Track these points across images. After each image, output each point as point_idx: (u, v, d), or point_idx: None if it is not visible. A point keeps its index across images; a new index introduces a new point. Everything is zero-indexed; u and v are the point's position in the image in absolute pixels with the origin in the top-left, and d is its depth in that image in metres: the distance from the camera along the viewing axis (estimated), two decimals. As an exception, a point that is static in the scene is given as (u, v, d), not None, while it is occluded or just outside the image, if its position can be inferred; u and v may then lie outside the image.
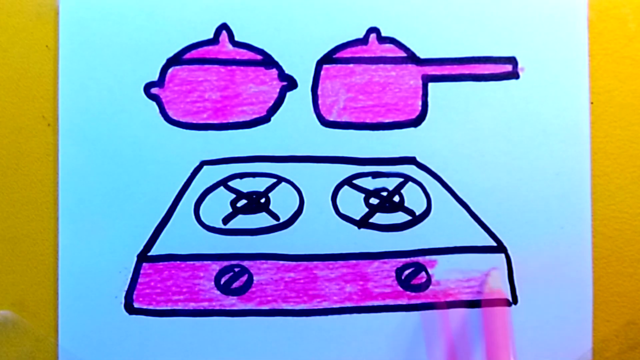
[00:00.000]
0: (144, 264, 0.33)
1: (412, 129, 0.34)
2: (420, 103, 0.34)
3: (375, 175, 0.34)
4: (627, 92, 0.34)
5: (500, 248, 0.34)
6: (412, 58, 0.34)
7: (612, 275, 0.34)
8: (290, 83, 0.34)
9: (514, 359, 0.32)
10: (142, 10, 0.33)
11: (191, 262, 0.33)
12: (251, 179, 0.34)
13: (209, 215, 0.34)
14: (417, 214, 0.34)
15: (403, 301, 0.34)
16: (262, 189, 0.34)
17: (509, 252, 0.34)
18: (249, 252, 0.33)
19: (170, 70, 0.33)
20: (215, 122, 0.34)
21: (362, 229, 0.34)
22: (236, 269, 0.33)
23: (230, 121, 0.34)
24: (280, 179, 0.34)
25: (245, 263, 0.33)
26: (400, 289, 0.34)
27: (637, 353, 0.34)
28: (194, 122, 0.33)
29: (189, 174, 0.33)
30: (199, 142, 0.33)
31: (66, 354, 0.33)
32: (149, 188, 0.33)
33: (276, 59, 0.34)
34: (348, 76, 0.34)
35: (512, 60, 0.34)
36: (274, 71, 0.34)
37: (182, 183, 0.33)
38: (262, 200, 0.34)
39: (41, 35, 0.33)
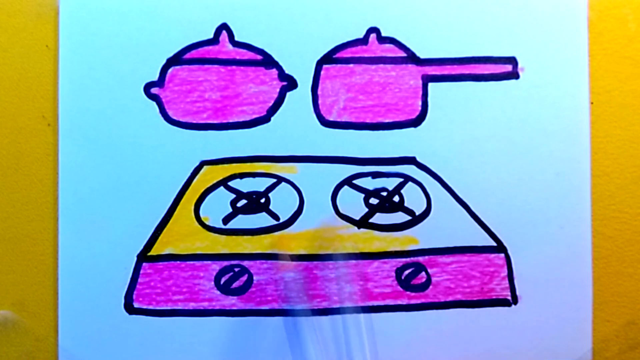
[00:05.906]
0: (144, 264, 0.33)
1: (412, 129, 0.34)
2: (420, 103, 0.34)
3: (375, 175, 0.34)
4: (627, 92, 0.34)
5: (500, 248, 0.34)
6: (412, 58, 0.34)
7: (612, 275, 0.34)
8: (290, 83, 0.34)
9: None
10: (142, 10, 0.33)
11: (191, 262, 0.33)
12: (251, 179, 0.34)
13: (209, 215, 0.33)
14: (417, 214, 0.34)
15: (403, 301, 0.34)
16: (262, 189, 0.34)
17: (509, 252, 0.34)
18: (249, 252, 0.33)
19: (170, 70, 0.33)
20: (215, 122, 0.34)
21: (362, 229, 0.34)
22: (236, 269, 0.33)
23: (230, 121, 0.34)
24: (280, 179, 0.34)
25: (245, 263, 0.33)
26: (400, 289, 0.34)
27: (637, 353, 0.34)
28: (194, 122, 0.33)
29: (189, 174, 0.33)
30: (199, 142, 0.33)
31: (66, 354, 0.33)
32: (149, 188, 0.33)
33: (276, 59, 0.34)
34: (348, 76, 0.34)
35: (512, 60, 0.34)
36: (274, 71, 0.34)
37: (182, 183, 0.33)
38: (262, 200, 0.34)
39: (41, 35, 0.33)
